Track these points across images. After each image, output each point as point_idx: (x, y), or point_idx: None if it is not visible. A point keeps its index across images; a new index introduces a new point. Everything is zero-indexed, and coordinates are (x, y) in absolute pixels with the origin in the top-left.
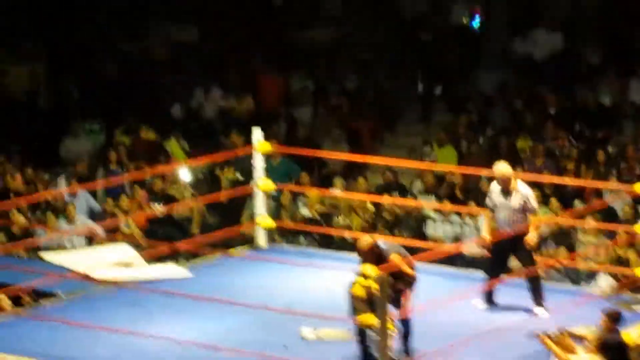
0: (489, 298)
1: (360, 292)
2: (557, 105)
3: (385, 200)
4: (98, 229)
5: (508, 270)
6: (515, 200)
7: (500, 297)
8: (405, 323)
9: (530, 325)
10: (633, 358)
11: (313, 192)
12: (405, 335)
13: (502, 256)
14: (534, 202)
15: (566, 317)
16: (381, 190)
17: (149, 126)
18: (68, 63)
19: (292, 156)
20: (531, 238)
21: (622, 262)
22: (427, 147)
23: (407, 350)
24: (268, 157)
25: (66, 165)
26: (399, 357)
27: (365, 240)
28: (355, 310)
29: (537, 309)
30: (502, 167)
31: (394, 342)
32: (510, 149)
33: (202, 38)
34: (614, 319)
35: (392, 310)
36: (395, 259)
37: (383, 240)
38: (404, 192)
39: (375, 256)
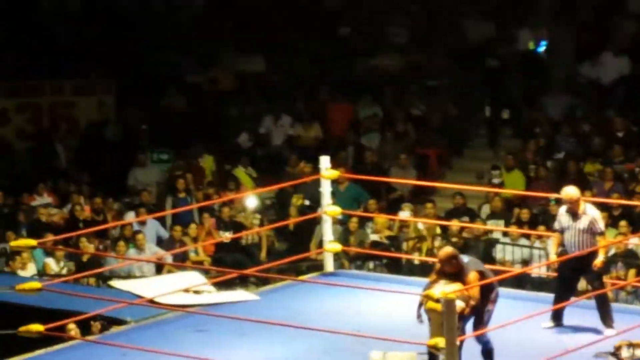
0: (557, 319)
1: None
2: (624, 129)
3: (454, 224)
4: (167, 257)
5: (576, 292)
6: (583, 223)
7: (569, 319)
8: (482, 341)
9: (599, 347)
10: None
11: (381, 218)
12: (486, 353)
13: (570, 278)
14: (601, 224)
15: (635, 338)
16: (450, 215)
17: (217, 155)
18: (136, 94)
19: (359, 182)
20: (599, 260)
21: None
22: (495, 172)
23: None
24: (336, 183)
25: (134, 194)
26: None
27: (448, 248)
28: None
29: (607, 330)
30: (569, 190)
31: None
32: (578, 173)
33: (269, 68)
34: None
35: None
36: (472, 277)
37: (467, 256)
38: (472, 216)
39: (453, 267)
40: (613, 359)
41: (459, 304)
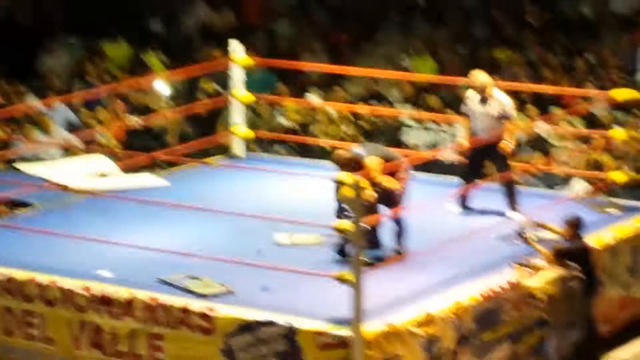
0: (463, 202)
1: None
2: (537, 16)
3: (363, 109)
4: (75, 141)
5: (483, 176)
6: (492, 108)
7: (476, 202)
8: (397, 222)
9: (504, 228)
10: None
11: (290, 102)
12: (398, 233)
13: (477, 162)
14: (509, 109)
15: (541, 220)
16: (360, 99)
17: (128, 39)
18: None
19: (271, 68)
20: (506, 144)
21: (598, 166)
22: (405, 57)
23: (400, 248)
24: (247, 70)
25: (43, 78)
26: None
27: (339, 153)
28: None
29: (511, 213)
30: (479, 75)
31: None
32: (489, 60)
33: None
34: (574, 225)
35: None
36: (371, 163)
37: (365, 144)
38: (382, 101)
39: (351, 168)
40: (518, 239)
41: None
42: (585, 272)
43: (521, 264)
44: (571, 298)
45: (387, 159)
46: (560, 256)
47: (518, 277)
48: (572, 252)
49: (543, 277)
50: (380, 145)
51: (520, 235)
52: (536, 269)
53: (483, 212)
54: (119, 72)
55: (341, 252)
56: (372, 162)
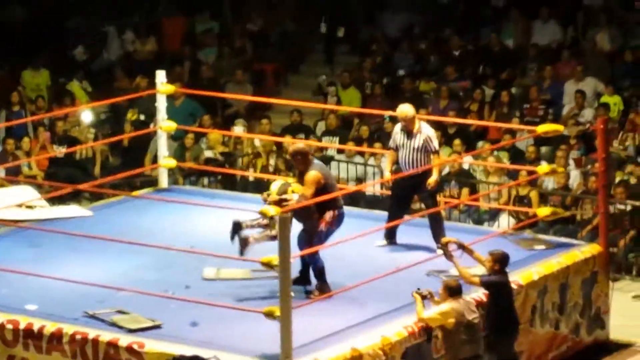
0: (390, 237)
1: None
2: (460, 48)
3: (288, 141)
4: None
5: (410, 210)
6: (417, 141)
7: (403, 237)
8: (311, 261)
9: (431, 264)
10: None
11: (214, 134)
12: (316, 271)
13: (404, 196)
14: (435, 143)
15: (467, 256)
16: (286, 131)
17: (53, 68)
18: None
19: (195, 97)
20: (433, 179)
21: (524, 201)
22: (331, 89)
23: (322, 287)
24: (171, 99)
25: None
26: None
27: (297, 145)
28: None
29: (439, 250)
30: (404, 108)
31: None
32: (413, 91)
33: None
34: (499, 259)
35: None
36: (309, 176)
37: (319, 162)
38: (308, 133)
39: (299, 163)
40: (440, 250)
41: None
42: (505, 309)
43: (420, 294)
44: (469, 333)
45: (327, 182)
46: (453, 292)
47: (416, 306)
48: (493, 285)
49: (439, 308)
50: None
51: (442, 248)
52: (434, 301)
53: (410, 247)
54: (40, 101)
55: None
56: (311, 176)
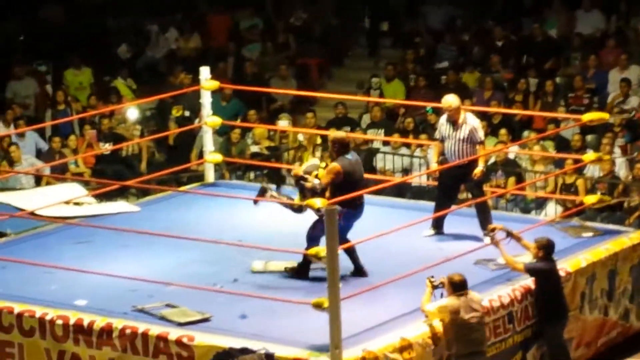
0: (437, 227)
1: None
2: (503, 38)
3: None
4: (46, 169)
5: (457, 201)
6: (463, 132)
7: (450, 227)
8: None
9: (478, 254)
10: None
11: (259, 128)
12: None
13: (450, 186)
14: (480, 133)
15: (515, 244)
16: (331, 124)
17: (96, 67)
18: (13, 6)
19: (240, 94)
20: (479, 169)
21: (570, 189)
22: (375, 80)
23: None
24: (218, 98)
25: (12, 107)
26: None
27: (337, 133)
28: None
29: (486, 238)
30: (449, 98)
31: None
32: (457, 82)
33: None
34: (545, 246)
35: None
36: (329, 167)
37: (353, 155)
38: (354, 126)
39: (334, 151)
40: (492, 265)
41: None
42: (552, 296)
43: (433, 283)
44: (461, 332)
45: (349, 178)
46: (456, 288)
47: (423, 296)
48: (537, 272)
49: (438, 303)
50: (359, 165)
51: (489, 234)
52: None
53: (457, 237)
54: (92, 99)
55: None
56: (331, 166)
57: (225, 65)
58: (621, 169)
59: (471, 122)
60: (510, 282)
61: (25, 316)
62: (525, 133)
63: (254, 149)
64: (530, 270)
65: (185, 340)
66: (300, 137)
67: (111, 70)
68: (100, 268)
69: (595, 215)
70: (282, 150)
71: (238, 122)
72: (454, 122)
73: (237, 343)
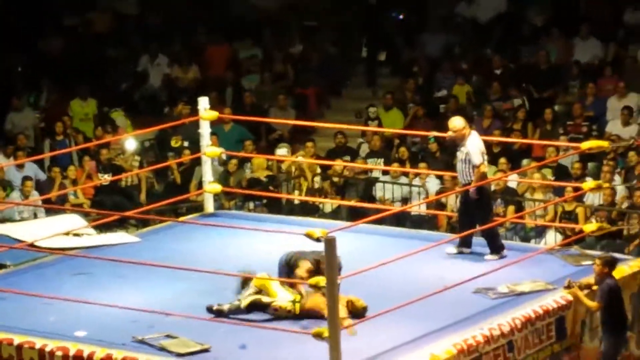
0: (464, 245)
1: None
2: (502, 66)
3: (332, 163)
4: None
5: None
6: (462, 154)
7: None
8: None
9: (478, 282)
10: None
11: (257, 159)
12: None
13: (467, 207)
14: (475, 157)
15: (515, 273)
16: (330, 154)
17: (96, 97)
18: (13, 37)
19: (240, 123)
20: (471, 191)
21: (570, 217)
22: (372, 109)
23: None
24: (220, 125)
25: (11, 138)
26: None
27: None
28: None
29: (489, 256)
30: (452, 121)
31: None
32: (457, 110)
33: (146, 9)
34: (611, 263)
35: None
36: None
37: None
38: (352, 155)
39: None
40: (492, 294)
41: None
42: (620, 310)
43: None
44: None
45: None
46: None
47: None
48: (614, 292)
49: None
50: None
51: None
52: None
53: (459, 265)
54: (88, 130)
55: None
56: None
57: (222, 96)
58: (621, 196)
59: (469, 145)
60: (510, 310)
61: (25, 347)
62: (525, 161)
63: (251, 176)
64: (605, 297)
65: None
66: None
67: (109, 101)
68: (100, 299)
69: (595, 243)
70: (281, 179)
71: (236, 152)
72: (457, 144)
73: None
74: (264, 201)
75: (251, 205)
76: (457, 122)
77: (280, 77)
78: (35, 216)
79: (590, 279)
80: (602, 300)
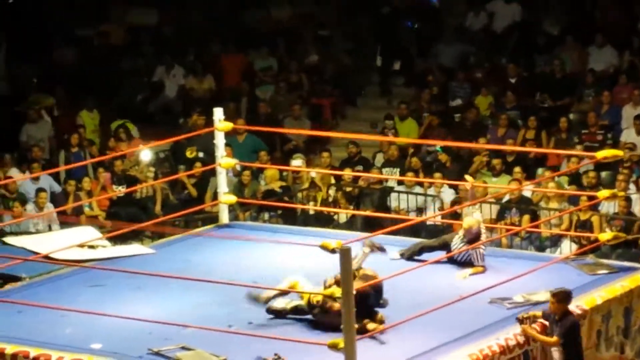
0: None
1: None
2: (517, 75)
3: (348, 174)
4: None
5: None
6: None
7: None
8: None
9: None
10: None
11: (270, 170)
12: None
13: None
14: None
15: (530, 283)
16: (344, 164)
17: (109, 109)
18: (27, 49)
19: (256, 133)
20: (462, 274)
21: (585, 226)
22: (389, 122)
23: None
24: (234, 135)
25: (27, 150)
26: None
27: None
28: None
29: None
30: (468, 220)
31: None
32: (473, 121)
33: (161, 21)
34: (565, 298)
35: None
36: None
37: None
38: (367, 165)
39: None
40: (507, 304)
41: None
42: (577, 347)
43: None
44: None
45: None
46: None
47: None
48: (575, 329)
49: None
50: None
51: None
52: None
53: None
54: (98, 141)
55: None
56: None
57: (238, 106)
58: (636, 205)
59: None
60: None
61: None
62: (540, 170)
63: (265, 187)
64: (567, 333)
65: None
66: (312, 174)
67: (124, 113)
68: (115, 311)
69: (610, 252)
70: (296, 190)
71: (250, 163)
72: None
73: None
74: (279, 212)
75: (266, 216)
76: (468, 221)
77: (295, 87)
78: (49, 228)
79: (537, 312)
80: (564, 337)
